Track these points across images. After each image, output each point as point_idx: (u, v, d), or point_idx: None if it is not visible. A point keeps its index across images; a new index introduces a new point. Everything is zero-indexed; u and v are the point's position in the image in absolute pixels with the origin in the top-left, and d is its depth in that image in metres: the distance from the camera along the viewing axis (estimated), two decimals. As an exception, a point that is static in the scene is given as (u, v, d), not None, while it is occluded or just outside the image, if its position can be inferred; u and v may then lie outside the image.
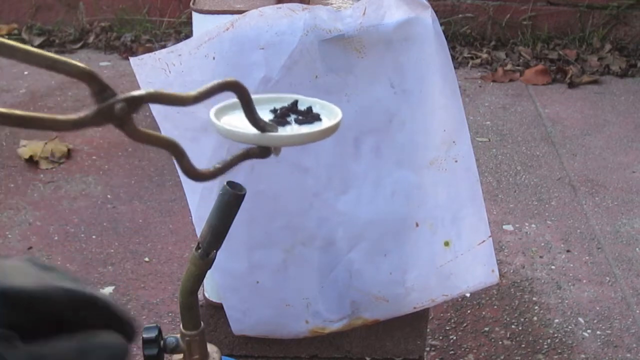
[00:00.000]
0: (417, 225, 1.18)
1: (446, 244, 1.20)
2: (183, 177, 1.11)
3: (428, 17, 1.11)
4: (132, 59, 1.08)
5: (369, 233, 1.17)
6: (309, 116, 0.67)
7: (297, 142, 0.66)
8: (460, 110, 1.17)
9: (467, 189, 1.20)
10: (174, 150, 0.58)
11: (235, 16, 1.07)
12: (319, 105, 0.69)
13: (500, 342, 1.57)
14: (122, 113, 0.49)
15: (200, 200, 1.12)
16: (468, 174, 1.19)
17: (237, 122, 0.67)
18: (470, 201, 1.20)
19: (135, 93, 0.51)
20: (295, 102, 0.68)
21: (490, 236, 1.23)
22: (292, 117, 0.67)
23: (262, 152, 0.66)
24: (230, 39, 1.06)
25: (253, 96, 0.66)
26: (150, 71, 1.07)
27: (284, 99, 0.69)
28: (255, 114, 0.64)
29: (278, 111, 0.68)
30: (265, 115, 0.67)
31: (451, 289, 1.23)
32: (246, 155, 0.66)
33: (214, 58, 1.06)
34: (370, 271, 1.19)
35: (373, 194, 1.16)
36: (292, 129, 0.66)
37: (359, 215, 1.16)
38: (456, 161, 1.17)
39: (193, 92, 0.58)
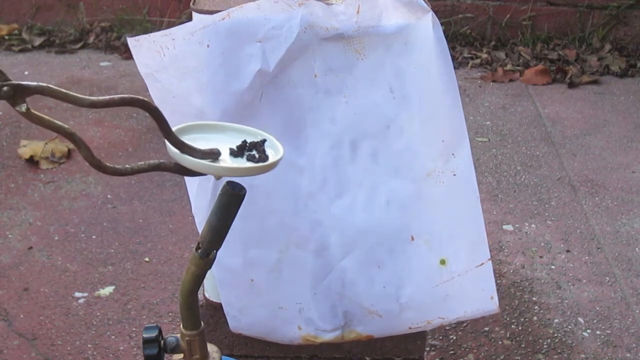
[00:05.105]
0: (412, 238, 1.15)
1: (442, 262, 1.16)
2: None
3: (429, 21, 1.10)
4: (129, 39, 1.08)
5: (363, 241, 1.15)
6: (259, 159, 0.76)
7: (228, 174, 0.75)
8: (461, 121, 1.13)
9: (465, 206, 1.15)
10: (72, 139, 0.67)
11: (232, 7, 1.07)
12: (269, 143, 0.78)
13: (500, 342, 1.57)
14: (7, 95, 0.64)
15: (199, 189, 1.12)
16: (467, 190, 1.15)
17: (199, 143, 0.75)
18: (469, 219, 1.16)
19: (24, 82, 0.65)
20: (263, 141, 0.78)
21: (489, 259, 1.17)
22: (247, 153, 0.76)
23: (177, 169, 0.74)
24: (226, 29, 1.06)
25: (237, 125, 0.79)
26: (147, 53, 1.07)
27: (255, 134, 0.79)
28: (171, 134, 0.73)
29: (247, 144, 0.77)
30: (232, 144, 0.77)
31: (447, 312, 1.18)
32: (158, 166, 0.73)
33: (208, 46, 1.06)
34: (363, 282, 1.17)
35: (368, 201, 1.14)
36: (235, 162, 0.75)
37: (353, 222, 1.15)
38: (455, 175, 1.14)
39: (93, 97, 0.69)
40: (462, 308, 1.19)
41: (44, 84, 0.66)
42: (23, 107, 0.65)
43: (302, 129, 1.12)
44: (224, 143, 0.76)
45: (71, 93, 0.67)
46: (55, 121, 0.67)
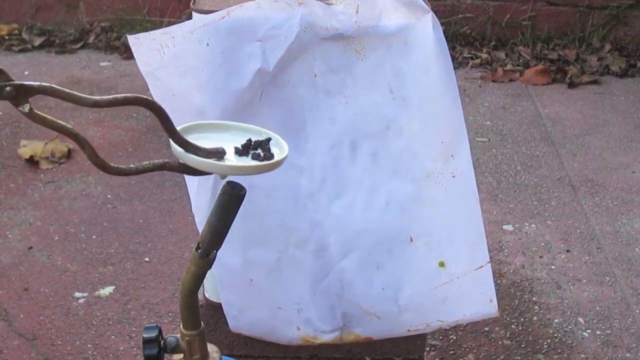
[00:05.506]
0: (411, 240, 1.15)
1: (441, 264, 1.16)
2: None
3: (429, 21, 1.10)
4: (129, 37, 1.08)
5: (362, 242, 1.15)
6: (265, 157, 0.75)
7: (233, 172, 0.74)
8: (460, 123, 1.13)
9: (464, 208, 1.15)
10: (76, 139, 0.67)
11: (232, 6, 1.07)
12: (274, 141, 0.78)
13: (500, 342, 1.57)
14: (9, 96, 0.63)
15: (199, 188, 1.12)
16: (466, 192, 1.14)
17: (203, 142, 0.75)
18: (469, 222, 1.15)
19: (27, 82, 0.64)
20: (268, 140, 0.78)
21: (489, 262, 1.16)
22: (252, 152, 0.76)
23: (182, 168, 0.74)
24: (226, 28, 1.06)
25: (242, 124, 0.79)
26: (147, 51, 1.07)
27: (260, 133, 0.79)
28: (175, 133, 0.73)
29: (252, 143, 0.77)
30: (237, 143, 0.76)
31: (446, 314, 1.17)
32: (163, 166, 0.74)
33: (208, 44, 1.06)
34: (362, 283, 1.17)
35: (367, 202, 1.14)
36: (240, 161, 0.75)
37: (352, 222, 1.14)
38: (454, 176, 1.13)
39: (96, 97, 0.69)
40: (461, 311, 1.18)
41: (47, 84, 0.66)
42: (26, 108, 0.65)
43: (302, 128, 1.12)
44: (229, 142, 0.76)
45: (74, 93, 0.66)
46: (59, 121, 0.67)
